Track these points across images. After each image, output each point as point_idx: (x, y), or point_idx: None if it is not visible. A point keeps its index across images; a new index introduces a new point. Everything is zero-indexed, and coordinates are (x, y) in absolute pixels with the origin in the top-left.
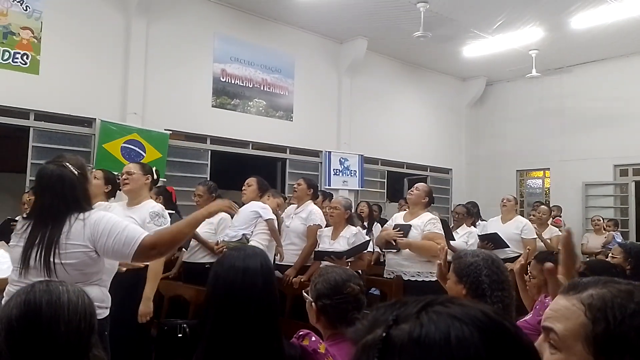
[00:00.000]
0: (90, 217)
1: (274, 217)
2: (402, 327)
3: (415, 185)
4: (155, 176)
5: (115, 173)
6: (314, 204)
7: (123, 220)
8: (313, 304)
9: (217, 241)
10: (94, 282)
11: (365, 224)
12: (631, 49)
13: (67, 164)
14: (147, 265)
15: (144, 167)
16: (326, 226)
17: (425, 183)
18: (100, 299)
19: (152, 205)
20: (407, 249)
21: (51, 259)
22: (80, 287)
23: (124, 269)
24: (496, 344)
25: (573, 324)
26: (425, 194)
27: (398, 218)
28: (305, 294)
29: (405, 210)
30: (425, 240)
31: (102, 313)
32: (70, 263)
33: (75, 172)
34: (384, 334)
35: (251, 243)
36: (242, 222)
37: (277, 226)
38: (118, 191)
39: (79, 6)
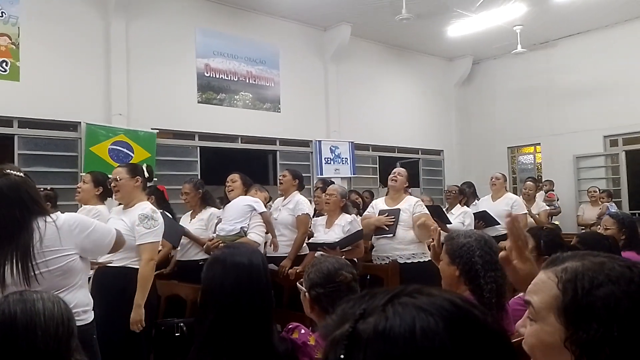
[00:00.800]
0: (59, 220)
1: (266, 210)
2: (369, 321)
3: (397, 172)
4: (147, 175)
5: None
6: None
7: (87, 218)
8: (307, 293)
9: (209, 237)
10: (77, 286)
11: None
12: (614, 19)
13: (9, 170)
14: (136, 269)
15: (133, 169)
16: (318, 215)
17: (417, 166)
18: (85, 303)
19: (142, 208)
20: (401, 233)
21: (30, 272)
22: (54, 294)
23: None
24: (462, 334)
25: (547, 295)
26: (406, 179)
27: (379, 204)
28: (299, 285)
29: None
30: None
31: (89, 317)
32: (51, 270)
33: (21, 175)
34: (351, 329)
35: (250, 235)
36: (237, 216)
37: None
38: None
39: (56, 9)
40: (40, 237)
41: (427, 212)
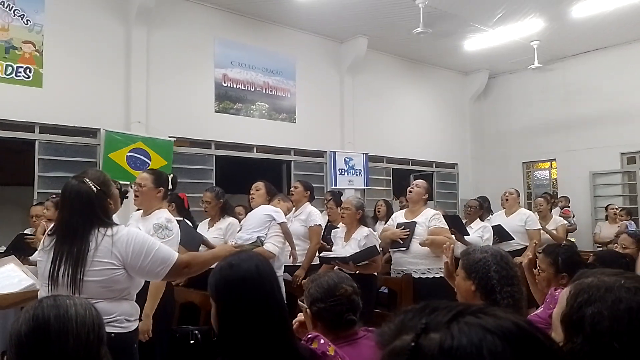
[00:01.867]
0: (118, 234)
1: (286, 220)
2: (432, 337)
3: (415, 183)
4: (171, 186)
5: (122, 182)
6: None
7: (154, 240)
8: (308, 310)
9: (229, 243)
10: (122, 297)
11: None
12: (632, 36)
13: (87, 179)
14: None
15: (158, 178)
16: (331, 227)
17: (431, 179)
18: (130, 312)
19: (158, 217)
20: (420, 247)
21: (78, 276)
22: (87, 300)
23: None
24: (528, 358)
25: (560, 306)
26: (424, 190)
27: (399, 217)
28: (300, 302)
29: (405, 207)
30: (434, 235)
31: (132, 326)
32: (97, 280)
33: (94, 188)
34: (414, 342)
35: (266, 245)
36: (255, 225)
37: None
38: (125, 199)
39: (79, 18)
40: (95, 247)
41: (444, 225)
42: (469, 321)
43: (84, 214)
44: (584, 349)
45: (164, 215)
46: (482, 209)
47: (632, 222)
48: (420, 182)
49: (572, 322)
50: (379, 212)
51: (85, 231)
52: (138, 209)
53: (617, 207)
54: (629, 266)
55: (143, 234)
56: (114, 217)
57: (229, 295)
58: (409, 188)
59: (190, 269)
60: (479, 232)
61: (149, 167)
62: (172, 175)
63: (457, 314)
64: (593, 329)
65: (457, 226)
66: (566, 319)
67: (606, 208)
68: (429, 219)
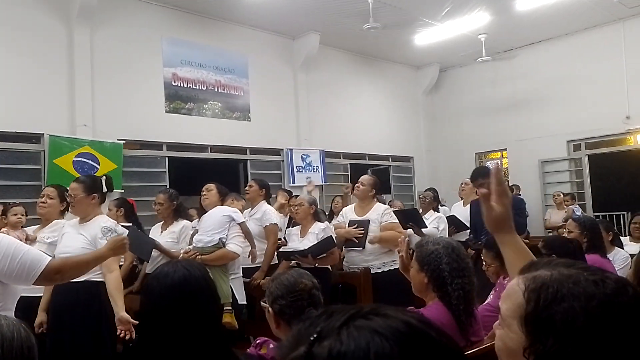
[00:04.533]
0: None
1: (245, 220)
2: (324, 345)
3: (360, 181)
4: (105, 189)
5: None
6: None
7: (22, 243)
8: (270, 309)
9: (186, 250)
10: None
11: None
12: (575, 26)
13: None
14: (100, 282)
15: (89, 185)
16: (294, 225)
17: (388, 172)
18: None
19: (104, 221)
20: (370, 244)
21: None
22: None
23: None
24: (417, 357)
25: (513, 303)
26: (370, 187)
27: (349, 212)
28: (262, 303)
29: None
30: (386, 230)
31: None
32: None
33: None
34: (305, 352)
35: (229, 246)
36: (215, 227)
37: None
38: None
39: (17, 18)
40: None
41: (395, 220)
42: (358, 324)
43: None
44: (560, 351)
45: (107, 219)
46: (437, 199)
47: (578, 207)
48: (365, 178)
49: (540, 321)
50: (336, 207)
51: None
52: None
53: (562, 193)
54: (576, 250)
55: (9, 238)
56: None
57: (154, 309)
58: (355, 185)
59: (63, 275)
60: (434, 223)
61: (97, 172)
62: (105, 177)
63: (348, 318)
64: (567, 328)
65: (416, 220)
66: (531, 318)
67: (552, 195)
68: (381, 214)
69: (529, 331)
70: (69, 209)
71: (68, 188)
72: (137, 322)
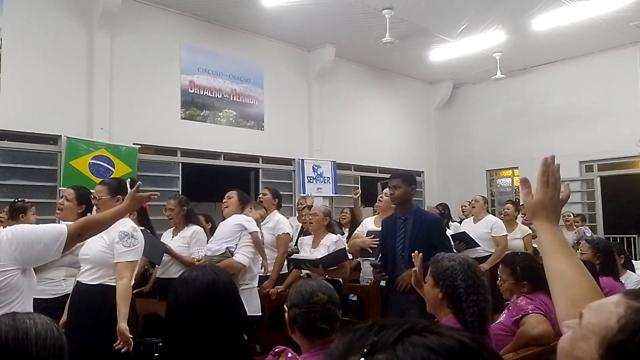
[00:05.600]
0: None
1: (258, 230)
2: (378, 357)
3: (384, 191)
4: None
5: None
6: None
7: (35, 226)
8: (286, 314)
9: (196, 257)
10: (16, 302)
11: (346, 230)
12: (590, 48)
13: None
14: (113, 286)
15: (114, 188)
16: (305, 234)
17: None
18: None
19: (123, 225)
20: None
21: None
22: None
23: None
24: None
25: (602, 320)
26: None
27: (369, 223)
28: (285, 306)
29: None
30: None
31: None
32: None
33: None
34: None
35: (236, 256)
36: (226, 236)
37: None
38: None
39: (40, 21)
40: None
41: None
42: (413, 341)
43: None
44: None
45: (129, 223)
46: (442, 215)
47: (587, 228)
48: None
49: (624, 356)
50: (344, 219)
51: None
52: None
53: (572, 214)
54: (590, 273)
55: (21, 226)
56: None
57: (182, 312)
58: (379, 196)
59: (85, 236)
60: None
61: (112, 175)
62: (129, 179)
63: (403, 333)
64: None
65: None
66: (617, 350)
67: (562, 216)
68: None
69: (608, 357)
70: (94, 211)
71: (91, 190)
72: (131, 336)
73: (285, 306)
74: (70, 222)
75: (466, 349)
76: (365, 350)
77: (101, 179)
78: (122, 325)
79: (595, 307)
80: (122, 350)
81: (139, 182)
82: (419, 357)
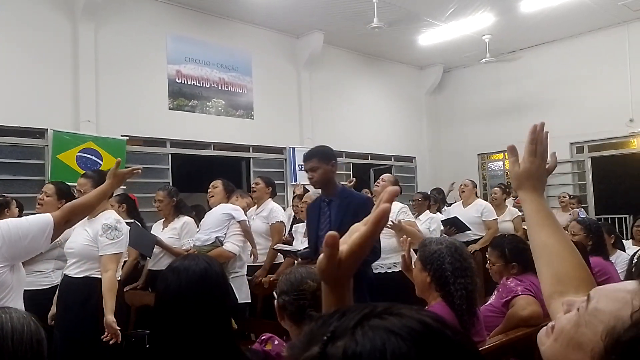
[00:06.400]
0: None
1: (246, 218)
2: (338, 345)
3: (381, 177)
4: None
5: (70, 184)
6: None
7: (19, 219)
8: (275, 301)
9: (187, 248)
10: (7, 299)
11: None
12: (579, 29)
13: None
14: (99, 279)
15: (97, 180)
16: (299, 222)
17: (391, 173)
18: None
19: (106, 217)
20: (383, 243)
21: None
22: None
23: None
24: (434, 356)
25: (612, 309)
26: (391, 184)
27: None
28: (274, 293)
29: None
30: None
31: None
32: None
33: None
34: (319, 352)
35: (225, 245)
36: (214, 225)
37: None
38: None
39: (22, 14)
40: None
41: (412, 219)
42: (373, 324)
43: None
44: None
45: (112, 216)
46: (428, 200)
47: (582, 210)
48: (386, 176)
49: (634, 353)
50: None
51: None
52: None
53: (568, 195)
54: (580, 253)
55: (6, 221)
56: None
57: (173, 301)
58: (376, 182)
59: (72, 222)
60: (426, 224)
61: (100, 167)
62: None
63: (362, 317)
64: None
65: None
66: (627, 344)
67: (558, 197)
68: (397, 212)
69: (615, 352)
70: None
71: (69, 184)
72: (119, 328)
73: (274, 293)
74: (55, 212)
75: (428, 329)
76: (325, 338)
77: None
78: (109, 317)
79: (608, 292)
80: (111, 342)
81: (119, 159)
82: (379, 340)
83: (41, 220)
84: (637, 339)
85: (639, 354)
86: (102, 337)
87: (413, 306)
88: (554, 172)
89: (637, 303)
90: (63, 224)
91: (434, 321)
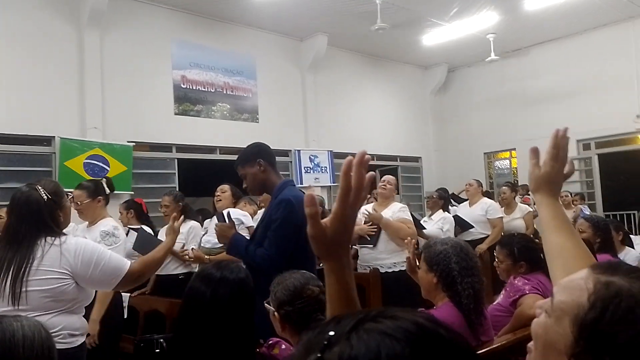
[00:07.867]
0: (67, 244)
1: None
2: (334, 350)
3: (386, 180)
4: (107, 190)
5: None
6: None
7: (105, 250)
8: (276, 313)
9: (189, 254)
10: (69, 310)
11: None
12: (584, 25)
13: (39, 187)
14: None
15: (93, 190)
16: None
17: (396, 173)
18: (76, 327)
19: (104, 224)
20: (383, 243)
21: (19, 284)
22: (36, 319)
23: None
24: (429, 356)
25: (572, 299)
26: (395, 187)
27: (369, 210)
28: (267, 305)
29: (372, 202)
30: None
31: (76, 341)
32: (41, 290)
33: (44, 197)
34: (317, 359)
35: None
36: None
37: None
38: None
39: (28, 22)
40: (41, 255)
41: (409, 217)
42: (368, 327)
43: (32, 221)
44: None
45: (110, 223)
46: (443, 199)
47: (586, 207)
48: (391, 178)
49: (599, 335)
50: None
51: (32, 239)
52: None
53: (570, 193)
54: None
55: (93, 244)
56: (80, 230)
57: (206, 310)
58: (380, 184)
59: (143, 277)
60: (439, 224)
61: (107, 174)
62: (104, 179)
63: (357, 322)
64: (629, 355)
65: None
66: (590, 328)
67: (561, 195)
68: (396, 212)
69: (582, 337)
70: (78, 215)
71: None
72: (95, 343)
73: (267, 304)
74: (134, 263)
75: (422, 329)
76: (322, 345)
77: (97, 179)
78: (93, 327)
79: (565, 284)
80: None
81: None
82: (374, 343)
83: (119, 262)
84: (598, 319)
85: (602, 333)
86: (109, 343)
87: (408, 308)
88: None
89: (590, 286)
90: (137, 277)
91: (427, 321)
